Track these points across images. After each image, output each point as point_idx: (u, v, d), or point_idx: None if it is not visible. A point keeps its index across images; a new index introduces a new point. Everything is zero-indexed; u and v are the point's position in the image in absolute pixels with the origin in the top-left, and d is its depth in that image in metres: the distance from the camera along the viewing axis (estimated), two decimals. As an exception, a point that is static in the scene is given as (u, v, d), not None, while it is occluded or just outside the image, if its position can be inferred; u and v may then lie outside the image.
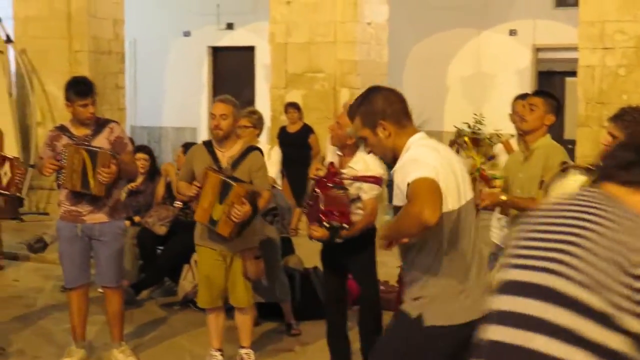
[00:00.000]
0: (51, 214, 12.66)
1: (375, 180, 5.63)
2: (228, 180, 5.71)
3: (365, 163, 5.68)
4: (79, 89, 6.21)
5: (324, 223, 5.40)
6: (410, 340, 3.82)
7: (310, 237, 5.63)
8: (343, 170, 5.62)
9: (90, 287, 6.65)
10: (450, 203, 3.67)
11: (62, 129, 6.33)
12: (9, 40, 13.12)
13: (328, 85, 12.10)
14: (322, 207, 5.41)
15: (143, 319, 7.65)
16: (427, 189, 3.49)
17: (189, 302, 8.00)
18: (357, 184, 5.61)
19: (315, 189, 5.53)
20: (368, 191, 5.67)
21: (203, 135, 18.33)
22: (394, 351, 3.89)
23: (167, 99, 18.58)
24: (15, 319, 7.54)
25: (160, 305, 8.20)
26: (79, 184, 6.03)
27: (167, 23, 18.24)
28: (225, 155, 6.02)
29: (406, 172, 3.61)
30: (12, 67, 13.45)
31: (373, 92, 3.99)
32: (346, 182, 5.52)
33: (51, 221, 11.94)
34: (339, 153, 5.78)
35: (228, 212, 5.66)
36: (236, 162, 5.98)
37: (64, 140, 6.19)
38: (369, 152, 4.10)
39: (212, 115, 5.90)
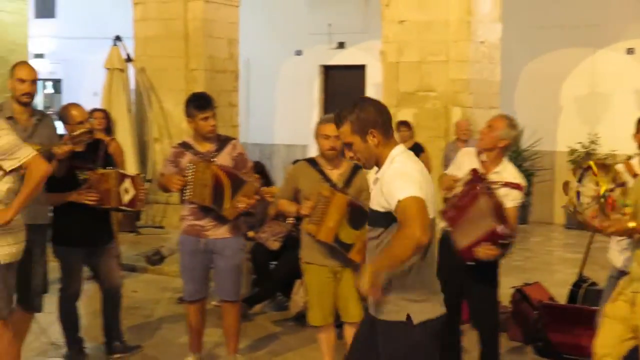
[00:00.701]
0: (166, 227, 12.96)
1: (521, 188, 5.60)
2: (359, 205, 5.61)
3: (510, 170, 5.70)
4: (199, 102, 6.29)
5: (502, 241, 5.34)
6: (407, 342, 3.98)
7: (474, 260, 5.51)
8: (491, 176, 5.59)
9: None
10: (431, 211, 3.88)
11: (185, 145, 6.40)
12: (129, 59, 13.52)
13: (440, 104, 11.99)
14: (492, 222, 5.32)
15: (256, 333, 7.71)
16: (418, 209, 3.73)
17: (301, 317, 8.06)
18: (504, 191, 5.55)
19: (470, 194, 5.44)
20: (513, 199, 5.60)
21: (313, 152, 18.43)
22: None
23: (279, 117, 18.76)
24: (133, 328, 7.67)
25: (272, 320, 8.28)
26: (210, 200, 6.10)
27: (280, 43, 18.45)
28: (335, 173, 5.92)
29: (397, 186, 3.81)
30: (132, 84, 13.84)
31: (366, 101, 4.16)
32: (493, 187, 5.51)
33: (167, 234, 12.25)
34: (484, 159, 5.67)
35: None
36: (348, 180, 5.89)
37: (188, 156, 6.26)
38: (350, 158, 4.11)
39: (325, 136, 5.74)
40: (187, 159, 6.25)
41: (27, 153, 4.96)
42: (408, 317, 3.94)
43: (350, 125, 3.98)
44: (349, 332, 6.05)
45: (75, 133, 6.23)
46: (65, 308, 6.59)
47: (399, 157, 4.00)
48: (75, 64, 19.81)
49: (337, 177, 5.90)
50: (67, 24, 20.92)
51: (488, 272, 5.74)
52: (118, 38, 13.41)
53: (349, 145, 4.06)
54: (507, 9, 12.68)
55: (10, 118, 5.82)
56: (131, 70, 13.68)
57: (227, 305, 6.52)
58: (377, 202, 3.99)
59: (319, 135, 5.78)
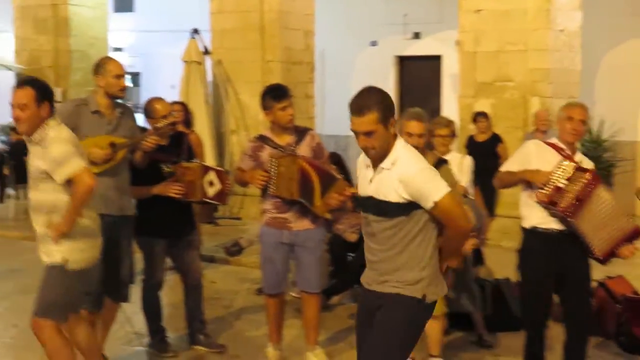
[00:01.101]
0: (244, 218, 13.05)
1: None
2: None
3: (586, 159, 5.62)
4: (276, 93, 6.28)
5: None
6: (416, 319, 4.22)
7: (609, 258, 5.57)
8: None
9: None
10: None
11: (263, 139, 6.38)
12: (206, 52, 13.64)
13: (518, 94, 11.81)
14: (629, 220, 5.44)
15: (335, 325, 7.70)
16: (456, 204, 4.09)
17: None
18: None
19: (587, 188, 5.33)
20: None
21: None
22: (405, 333, 4.19)
23: (354, 108, 18.70)
24: (213, 319, 7.70)
25: (351, 312, 8.25)
26: (297, 193, 6.11)
27: (355, 33, 18.40)
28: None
29: (429, 188, 3.96)
30: (209, 77, 13.95)
31: (380, 90, 4.10)
32: None
33: (244, 226, 12.34)
34: (568, 152, 5.50)
35: None
36: None
37: (268, 150, 6.26)
38: (364, 149, 4.05)
39: (408, 134, 5.64)
40: (267, 152, 6.24)
41: (75, 166, 5.02)
42: (424, 296, 4.13)
43: (377, 114, 3.92)
44: (429, 325, 6.02)
45: (159, 125, 6.31)
46: (148, 298, 6.69)
47: (405, 148, 4.09)
48: (153, 57, 20.10)
49: None
50: (146, 18, 21.22)
51: (587, 265, 5.65)
52: (196, 31, 13.52)
53: (369, 134, 3.94)
54: (587, -3, 12.43)
55: (96, 112, 5.94)
56: (208, 62, 13.80)
57: (308, 296, 6.53)
58: (393, 194, 3.99)
59: (402, 131, 5.63)
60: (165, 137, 6.39)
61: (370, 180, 4.08)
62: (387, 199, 3.99)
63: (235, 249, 9.59)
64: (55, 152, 4.98)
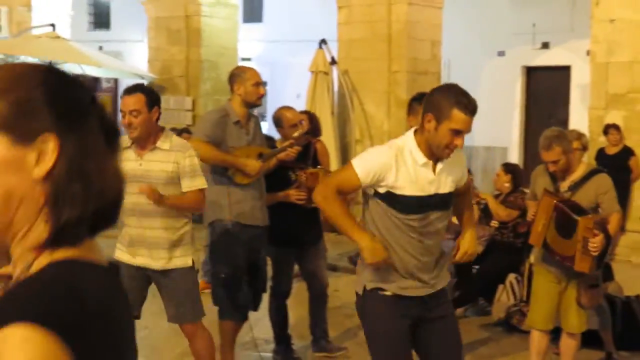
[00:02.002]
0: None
1: None
2: (564, 207, 5.49)
3: None
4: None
5: None
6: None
7: None
8: None
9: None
10: None
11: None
12: (333, 61, 13.73)
13: (652, 106, 11.47)
14: None
15: (463, 337, 7.56)
16: None
17: (503, 323, 7.93)
18: None
19: None
20: None
21: (513, 155, 18.11)
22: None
23: (479, 118, 18.33)
24: (336, 327, 7.71)
25: (476, 325, 8.17)
26: None
27: (482, 43, 18.25)
28: (567, 178, 5.82)
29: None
30: (335, 87, 14.03)
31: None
32: None
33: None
34: None
35: (583, 248, 5.38)
36: (576, 185, 5.76)
37: None
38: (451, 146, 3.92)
39: (553, 163, 5.70)
40: None
41: (202, 182, 5.24)
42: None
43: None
44: (565, 341, 6.03)
45: (295, 135, 6.41)
46: (275, 305, 6.79)
47: None
48: (279, 66, 20.40)
49: (568, 182, 5.81)
50: (273, 28, 21.56)
51: None
52: (323, 41, 13.64)
53: (460, 133, 3.88)
54: None
55: (237, 122, 5.99)
56: (334, 72, 13.88)
57: None
58: (450, 184, 4.06)
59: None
60: (300, 145, 6.48)
61: (432, 178, 3.98)
62: (447, 191, 4.02)
63: (358, 259, 9.62)
64: (192, 162, 5.14)
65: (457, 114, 3.75)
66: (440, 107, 3.77)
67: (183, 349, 6.30)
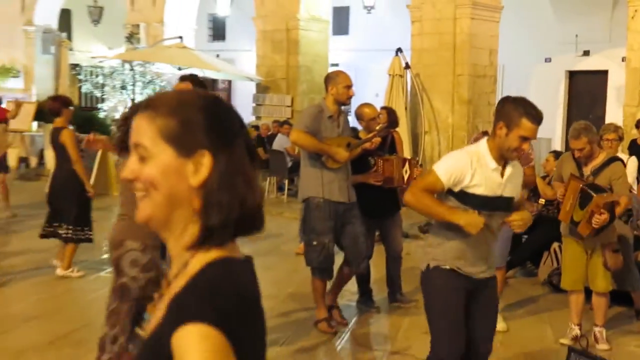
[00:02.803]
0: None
1: None
2: (588, 190, 5.49)
3: None
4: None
5: None
6: None
7: None
8: None
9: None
10: None
11: (485, 133, 6.34)
12: (407, 66, 13.67)
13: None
14: None
15: (513, 296, 7.56)
16: None
17: (547, 284, 7.88)
18: None
19: None
20: None
21: (556, 144, 17.78)
22: None
23: (528, 115, 18.26)
24: (408, 283, 7.49)
25: (525, 285, 8.12)
26: None
27: (531, 51, 17.95)
28: (589, 164, 5.80)
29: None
30: (408, 87, 13.99)
31: None
32: None
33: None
34: None
35: (588, 218, 5.45)
36: (597, 171, 5.73)
37: None
38: (519, 151, 3.74)
39: (579, 150, 5.70)
40: None
41: None
42: None
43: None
44: (596, 300, 6.04)
45: (378, 127, 6.49)
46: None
47: None
48: (361, 71, 20.32)
49: (590, 168, 5.80)
50: (357, 39, 21.56)
51: None
52: (399, 50, 13.59)
53: (528, 140, 3.71)
54: None
55: (330, 117, 5.98)
56: (408, 75, 13.83)
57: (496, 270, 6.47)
58: (517, 189, 3.92)
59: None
60: (382, 137, 6.53)
61: (500, 182, 3.81)
62: (510, 195, 3.86)
63: (427, 228, 9.63)
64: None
65: (526, 123, 3.62)
66: (511, 117, 3.65)
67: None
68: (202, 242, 1.42)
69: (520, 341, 6.22)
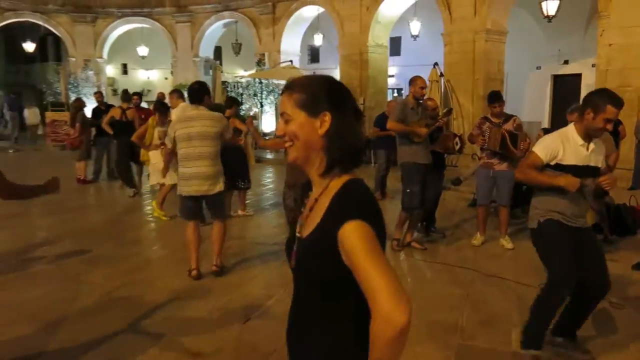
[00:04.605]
0: (458, 166, 12.66)
1: None
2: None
3: None
4: (491, 96, 6.06)
5: None
6: None
7: None
8: None
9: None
10: None
11: (485, 118, 6.17)
12: (441, 75, 13.32)
13: (635, 95, 10.39)
14: None
15: (516, 224, 7.11)
16: None
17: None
18: None
19: None
20: None
21: (545, 125, 16.95)
22: None
23: (527, 105, 17.49)
24: (443, 221, 7.27)
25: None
26: (498, 147, 5.90)
27: (527, 62, 17.15)
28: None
29: None
30: (442, 89, 13.64)
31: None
32: None
33: (460, 169, 11.94)
34: None
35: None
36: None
37: (487, 124, 6.07)
38: (603, 130, 3.26)
39: (607, 120, 4.98)
40: (486, 126, 6.06)
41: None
42: None
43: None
44: None
45: (442, 114, 6.31)
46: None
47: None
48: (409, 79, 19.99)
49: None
50: (406, 58, 21.11)
51: None
52: (436, 64, 13.22)
53: (610, 121, 3.27)
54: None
55: (412, 108, 5.70)
56: (442, 81, 13.48)
57: (503, 207, 6.27)
58: (596, 161, 3.40)
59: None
60: (445, 120, 6.30)
61: (586, 154, 3.37)
62: (595, 164, 3.41)
63: (457, 181, 9.41)
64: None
65: (611, 109, 3.21)
66: (597, 104, 3.24)
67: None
68: (329, 170, 1.43)
69: (527, 255, 5.87)
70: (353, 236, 1.30)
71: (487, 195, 6.25)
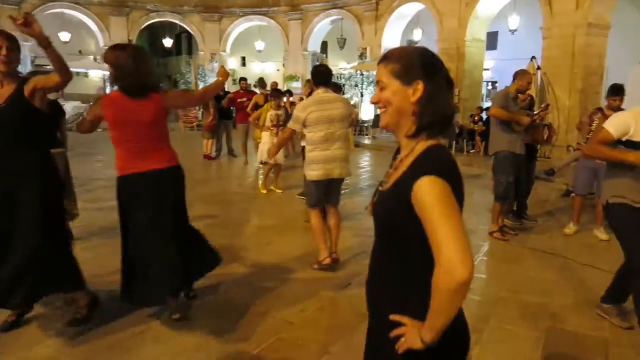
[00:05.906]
0: (551, 158, 11.88)
1: None
2: None
3: None
4: (613, 90, 5.49)
5: None
6: None
7: None
8: None
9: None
10: None
11: (599, 110, 5.76)
12: (539, 68, 12.44)
13: None
14: None
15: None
16: None
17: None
18: None
19: None
20: None
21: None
22: None
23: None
24: (533, 209, 6.83)
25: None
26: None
27: (628, 57, 15.38)
28: None
29: None
30: (539, 81, 12.74)
31: None
32: None
33: (553, 161, 11.16)
34: None
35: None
36: None
37: (599, 115, 5.63)
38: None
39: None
40: (597, 117, 5.71)
41: None
42: None
43: None
44: None
45: (543, 106, 5.91)
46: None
47: None
48: (505, 73, 18.81)
49: None
50: (503, 52, 19.91)
51: None
52: (534, 57, 12.36)
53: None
54: None
55: (513, 99, 5.42)
56: (539, 74, 12.58)
57: (578, 197, 5.87)
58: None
59: None
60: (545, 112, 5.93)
61: None
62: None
63: (551, 172, 8.85)
64: None
65: None
66: None
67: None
68: (417, 134, 1.42)
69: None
70: (426, 189, 1.28)
71: (586, 185, 5.86)
